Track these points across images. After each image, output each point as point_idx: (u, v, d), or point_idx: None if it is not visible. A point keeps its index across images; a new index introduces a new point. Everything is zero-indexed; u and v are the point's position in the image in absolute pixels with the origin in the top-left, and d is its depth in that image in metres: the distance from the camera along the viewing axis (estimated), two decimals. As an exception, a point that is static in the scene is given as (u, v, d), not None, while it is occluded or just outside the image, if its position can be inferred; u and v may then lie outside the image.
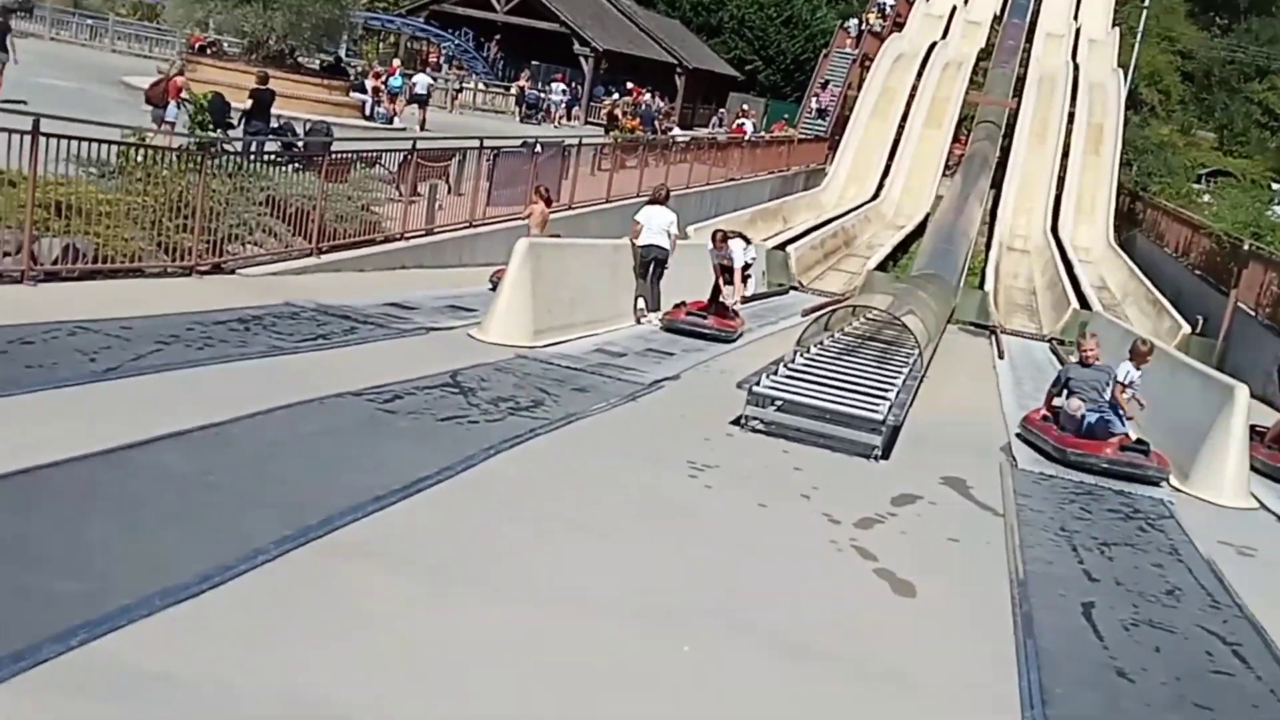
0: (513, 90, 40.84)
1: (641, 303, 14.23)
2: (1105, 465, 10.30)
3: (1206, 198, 39.26)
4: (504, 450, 7.64)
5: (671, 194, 15.45)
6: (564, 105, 39.94)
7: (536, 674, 4.70)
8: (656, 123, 36.60)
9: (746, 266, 15.26)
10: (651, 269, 14.28)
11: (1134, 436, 10.67)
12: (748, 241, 15.84)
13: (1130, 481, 10.19)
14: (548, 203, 15.39)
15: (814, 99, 42.79)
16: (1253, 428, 11.28)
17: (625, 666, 4.93)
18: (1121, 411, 10.73)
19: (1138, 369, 10.88)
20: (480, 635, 4.96)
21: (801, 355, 11.92)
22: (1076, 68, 42.30)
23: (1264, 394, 17.16)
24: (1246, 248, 23.86)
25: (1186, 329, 23.06)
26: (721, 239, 14.93)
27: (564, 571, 5.86)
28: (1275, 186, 40.56)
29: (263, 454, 6.80)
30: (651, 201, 14.86)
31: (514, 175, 18.26)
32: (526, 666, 4.75)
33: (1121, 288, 29.60)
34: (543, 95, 39.38)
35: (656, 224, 14.30)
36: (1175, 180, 41.51)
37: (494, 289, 12.39)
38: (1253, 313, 21.80)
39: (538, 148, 19.35)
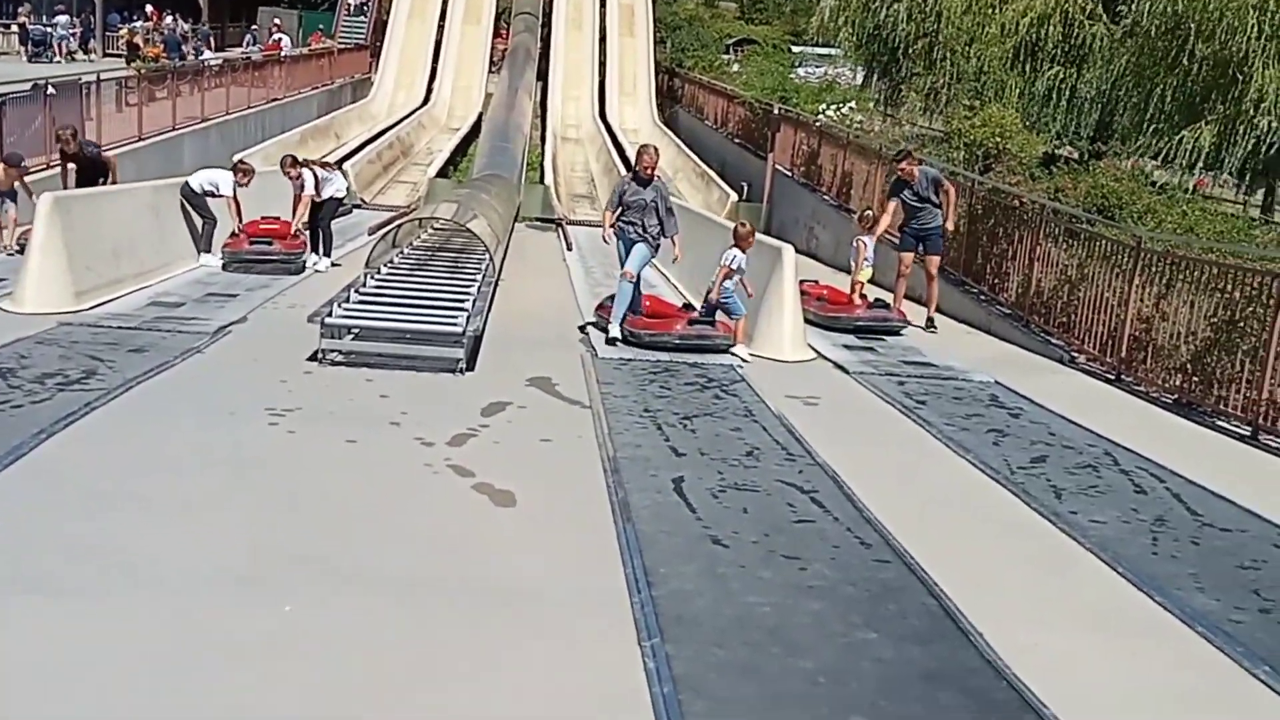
0: (13, 27, 36.99)
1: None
2: (676, 341, 10.78)
3: (736, 67, 41.41)
4: (57, 432, 6.96)
5: (250, 167, 14.53)
6: (74, 38, 36.55)
7: (127, 677, 4.33)
8: (183, 47, 34.27)
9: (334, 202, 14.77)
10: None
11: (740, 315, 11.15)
12: (332, 168, 15.23)
13: (701, 353, 10.72)
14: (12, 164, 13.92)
15: (348, -1, 41.58)
16: (802, 283, 12.15)
17: (223, 645, 4.64)
18: (732, 293, 11.12)
19: (744, 253, 11.13)
20: (59, 644, 4.51)
21: (372, 277, 11.63)
22: (599, -48, 43.24)
23: (807, 248, 18.57)
24: (776, 111, 25.47)
25: (734, 197, 24.47)
26: (290, 163, 14.18)
27: (144, 557, 5.42)
28: (795, 49, 43.39)
29: None
30: None
31: (28, 124, 16.63)
32: (115, 671, 4.36)
33: (671, 164, 30.87)
34: (49, 30, 35.86)
35: (202, 175, 14.05)
36: (707, 53, 43.45)
37: (23, 252, 11.26)
38: (789, 173, 23.40)
39: (49, 89, 17.66)
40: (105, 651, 4.49)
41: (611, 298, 11.34)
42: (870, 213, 13.45)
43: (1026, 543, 6.66)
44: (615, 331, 10.97)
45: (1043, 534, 6.77)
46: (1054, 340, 12.37)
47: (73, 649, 4.49)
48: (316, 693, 4.33)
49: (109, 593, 5.02)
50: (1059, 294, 12.53)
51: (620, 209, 11.18)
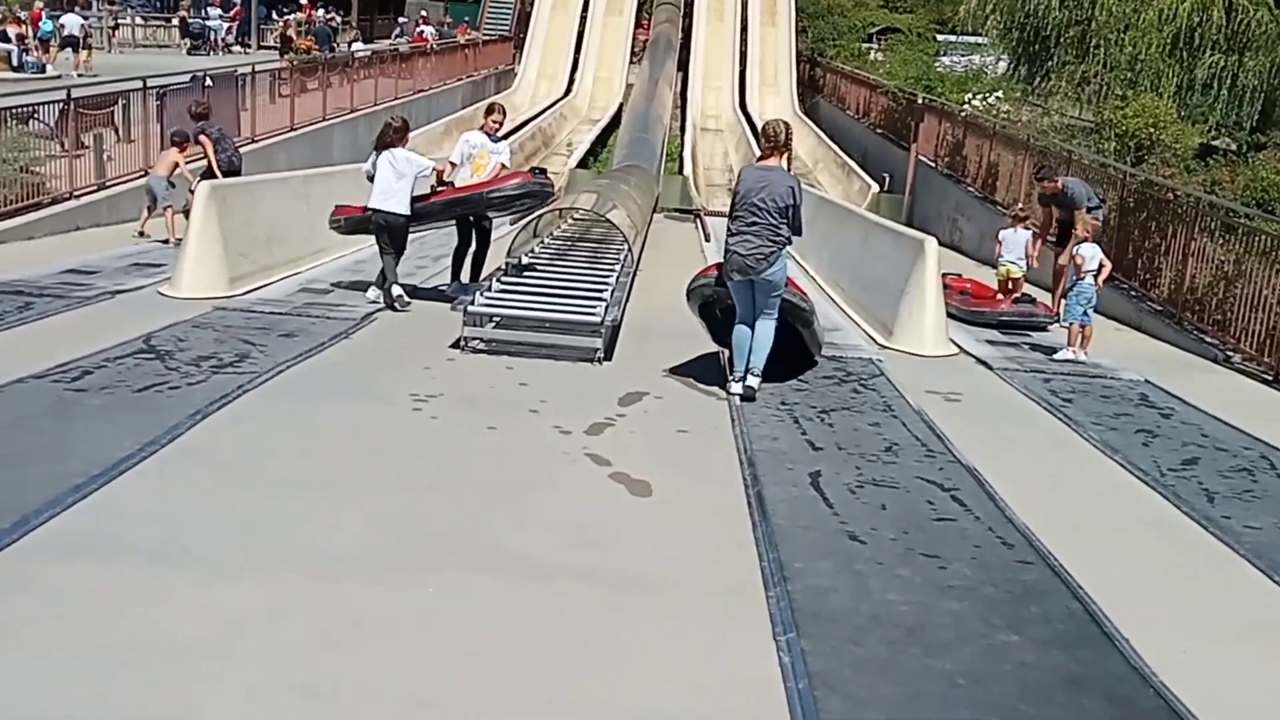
0: (175, 21, 38.43)
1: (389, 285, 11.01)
2: None
3: (878, 55, 40.80)
4: (212, 413, 7.23)
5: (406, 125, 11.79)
6: (229, 31, 37.79)
7: (278, 651, 4.47)
8: (334, 40, 35.16)
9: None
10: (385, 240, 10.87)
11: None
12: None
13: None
14: (180, 146, 14.40)
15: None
16: (944, 276, 11.93)
17: (369, 622, 4.76)
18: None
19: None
20: (213, 618, 4.68)
21: (513, 266, 11.79)
22: (742, -58, 43.01)
23: (950, 240, 18.24)
24: (920, 101, 25.05)
25: (875, 188, 24.16)
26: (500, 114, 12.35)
27: (294, 534, 5.59)
28: (939, 38, 42.57)
29: (-62, 460, 6.19)
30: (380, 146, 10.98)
31: (186, 115, 17.25)
32: (267, 645, 4.51)
33: (811, 154, 30.66)
34: (207, 24, 37.14)
35: (384, 178, 10.74)
36: (848, 42, 42.93)
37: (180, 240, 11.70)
38: (932, 164, 23.01)
39: (207, 81, 18.29)
40: (251, 628, 4.64)
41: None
42: (1018, 207, 13.13)
43: (1176, 547, 6.45)
44: (751, 384, 8.59)
45: (1194, 538, 6.55)
46: (1208, 338, 11.95)
47: (221, 624, 4.64)
48: (453, 674, 4.40)
49: (256, 570, 5.18)
50: (1214, 290, 12.08)
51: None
